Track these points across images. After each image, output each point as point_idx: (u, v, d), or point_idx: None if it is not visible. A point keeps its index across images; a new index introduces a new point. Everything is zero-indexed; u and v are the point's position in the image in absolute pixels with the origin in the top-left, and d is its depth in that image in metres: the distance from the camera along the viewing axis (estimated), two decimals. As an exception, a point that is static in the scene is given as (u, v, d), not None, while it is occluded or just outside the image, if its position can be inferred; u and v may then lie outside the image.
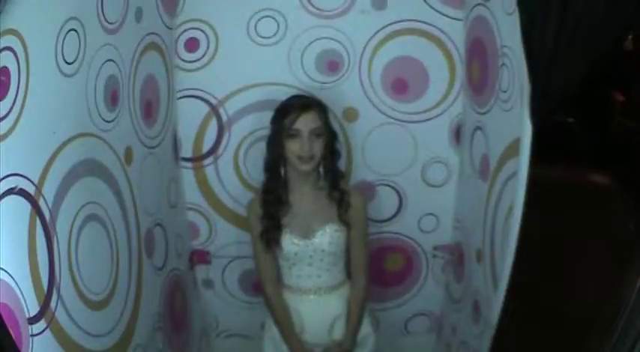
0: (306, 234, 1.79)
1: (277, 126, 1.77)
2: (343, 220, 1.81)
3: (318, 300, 1.83)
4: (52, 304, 1.16)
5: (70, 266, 1.24)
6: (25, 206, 1.09)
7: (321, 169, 1.80)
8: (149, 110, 1.75)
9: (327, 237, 1.79)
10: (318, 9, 1.95)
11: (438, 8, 1.92)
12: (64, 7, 1.23)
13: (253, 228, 1.84)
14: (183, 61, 1.97)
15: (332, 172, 1.82)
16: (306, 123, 1.73)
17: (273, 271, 1.86)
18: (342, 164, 1.98)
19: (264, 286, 1.86)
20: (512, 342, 1.43)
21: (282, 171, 1.80)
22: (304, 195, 1.82)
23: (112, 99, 1.48)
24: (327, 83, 2.00)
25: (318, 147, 1.74)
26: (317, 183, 1.82)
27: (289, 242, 1.79)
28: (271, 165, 1.81)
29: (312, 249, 1.79)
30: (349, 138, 2.04)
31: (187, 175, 2.08)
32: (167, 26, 1.89)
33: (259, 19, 1.95)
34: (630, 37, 1.86)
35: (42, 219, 1.13)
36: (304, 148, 1.72)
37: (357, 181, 2.08)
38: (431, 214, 2.12)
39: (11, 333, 0.98)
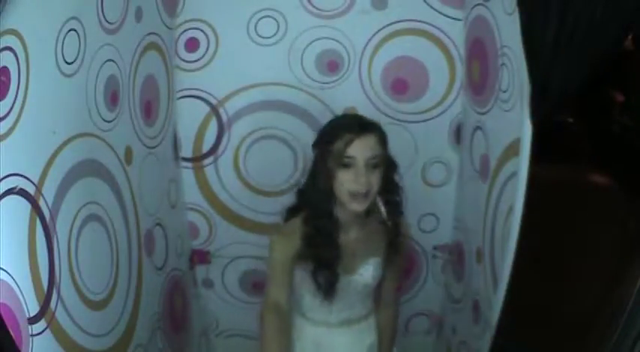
0: (348, 269, 1.52)
1: (323, 150, 1.44)
2: (391, 259, 1.57)
3: (347, 332, 1.61)
4: (52, 304, 1.16)
5: (70, 267, 1.24)
6: (25, 206, 1.09)
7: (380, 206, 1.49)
8: (149, 110, 1.75)
9: (371, 271, 1.54)
10: (318, 9, 1.95)
11: (438, 8, 1.92)
12: (64, 7, 1.23)
13: (283, 271, 1.50)
14: (183, 61, 1.97)
15: (393, 213, 1.51)
16: (363, 149, 1.39)
17: (285, 307, 1.52)
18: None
19: (267, 313, 1.51)
20: (512, 342, 1.42)
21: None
22: (351, 236, 1.53)
23: (112, 99, 1.48)
24: (327, 83, 2.00)
25: (375, 182, 1.41)
26: (366, 220, 1.52)
27: None
28: (321, 200, 1.46)
29: (353, 285, 1.54)
30: (349, 138, 2.04)
31: (187, 175, 2.08)
32: (167, 26, 1.89)
33: (259, 19, 1.95)
34: (630, 36, 1.86)
35: (42, 219, 1.13)
36: (359, 181, 1.39)
37: (357, 181, 2.08)
38: (431, 214, 2.12)
39: (11, 333, 0.98)
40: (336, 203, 1.46)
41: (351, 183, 1.40)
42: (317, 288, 1.50)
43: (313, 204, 1.49)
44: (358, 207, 1.41)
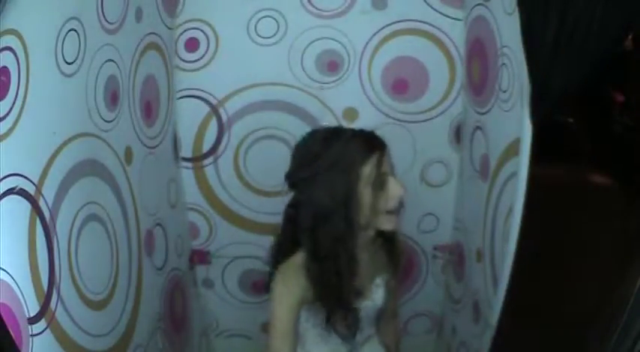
0: (358, 295, 1.39)
1: (347, 177, 1.26)
2: (392, 272, 1.49)
3: None
4: (52, 304, 1.16)
5: (70, 267, 1.24)
6: (25, 206, 1.09)
7: None
8: (149, 110, 1.75)
9: (382, 293, 1.43)
10: (318, 9, 1.95)
11: (438, 8, 1.92)
12: (64, 7, 1.23)
13: (288, 322, 1.32)
14: (183, 61, 1.97)
15: None
16: (389, 163, 1.32)
17: None
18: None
19: None
20: (512, 342, 1.42)
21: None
22: (362, 263, 1.37)
23: (112, 99, 1.48)
24: (327, 83, 2.00)
25: None
26: (375, 240, 1.42)
27: None
28: (345, 236, 1.29)
29: (365, 311, 1.41)
30: (349, 138, 2.04)
31: (187, 175, 2.08)
32: (167, 26, 1.89)
33: (259, 19, 1.95)
34: (630, 36, 1.86)
35: (42, 219, 1.13)
36: (396, 195, 1.30)
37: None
38: (431, 214, 2.12)
39: (11, 333, 0.98)
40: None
41: (391, 200, 1.30)
42: (332, 331, 1.35)
43: (332, 240, 1.29)
44: (396, 224, 1.34)
